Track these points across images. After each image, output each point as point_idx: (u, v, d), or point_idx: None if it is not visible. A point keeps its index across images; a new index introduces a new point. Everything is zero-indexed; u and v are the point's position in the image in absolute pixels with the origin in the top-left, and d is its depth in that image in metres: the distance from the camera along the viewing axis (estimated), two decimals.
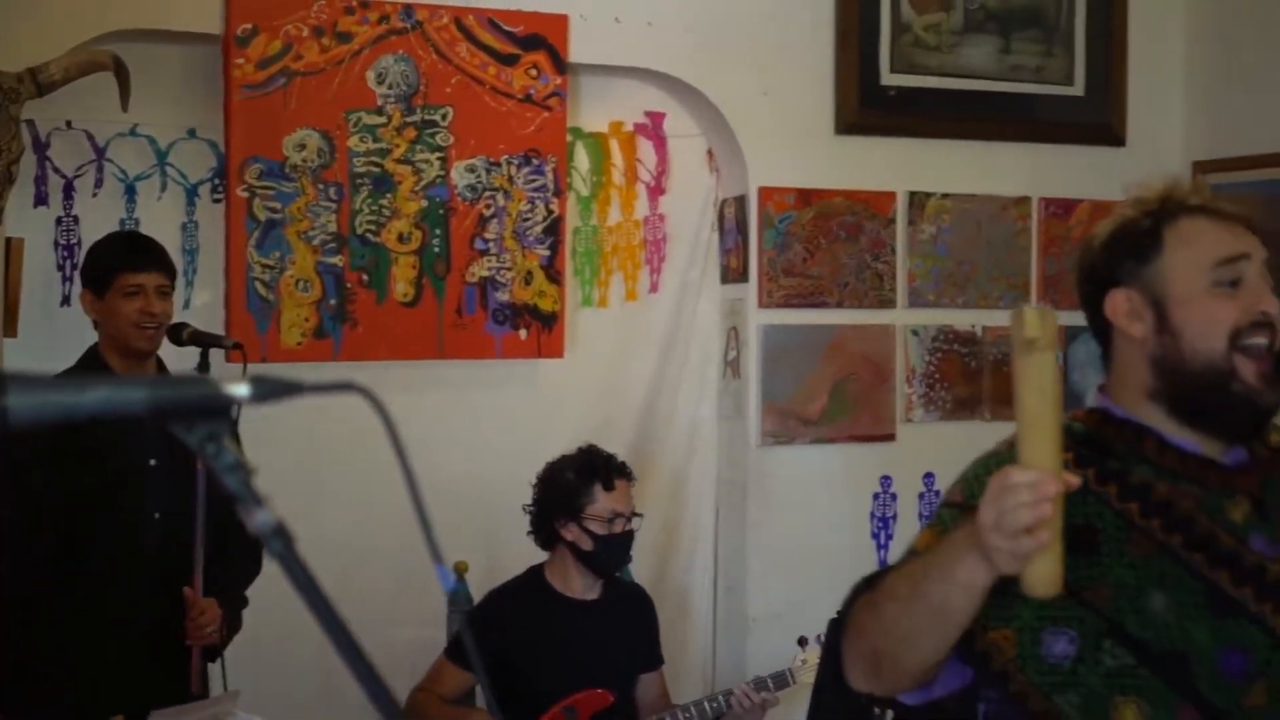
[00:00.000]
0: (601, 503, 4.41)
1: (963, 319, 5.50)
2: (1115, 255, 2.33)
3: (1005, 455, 2.27)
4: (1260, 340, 2.21)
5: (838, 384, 5.30)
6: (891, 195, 5.41)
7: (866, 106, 5.34)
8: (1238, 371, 2.20)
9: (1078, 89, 5.65)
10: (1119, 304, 2.30)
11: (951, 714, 2.34)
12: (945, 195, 5.47)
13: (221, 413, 1.21)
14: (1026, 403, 1.95)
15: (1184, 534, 2.20)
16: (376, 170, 4.86)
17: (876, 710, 2.38)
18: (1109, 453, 2.26)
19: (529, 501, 4.53)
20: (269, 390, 1.23)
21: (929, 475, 5.35)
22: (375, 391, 1.32)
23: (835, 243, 5.31)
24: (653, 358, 5.59)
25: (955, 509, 2.28)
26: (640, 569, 5.14)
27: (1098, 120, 5.66)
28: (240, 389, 1.21)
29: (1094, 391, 2.42)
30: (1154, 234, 2.29)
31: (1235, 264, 2.25)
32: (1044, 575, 1.94)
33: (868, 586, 2.23)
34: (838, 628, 2.28)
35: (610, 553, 4.46)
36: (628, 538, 4.49)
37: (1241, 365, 2.20)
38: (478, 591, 4.72)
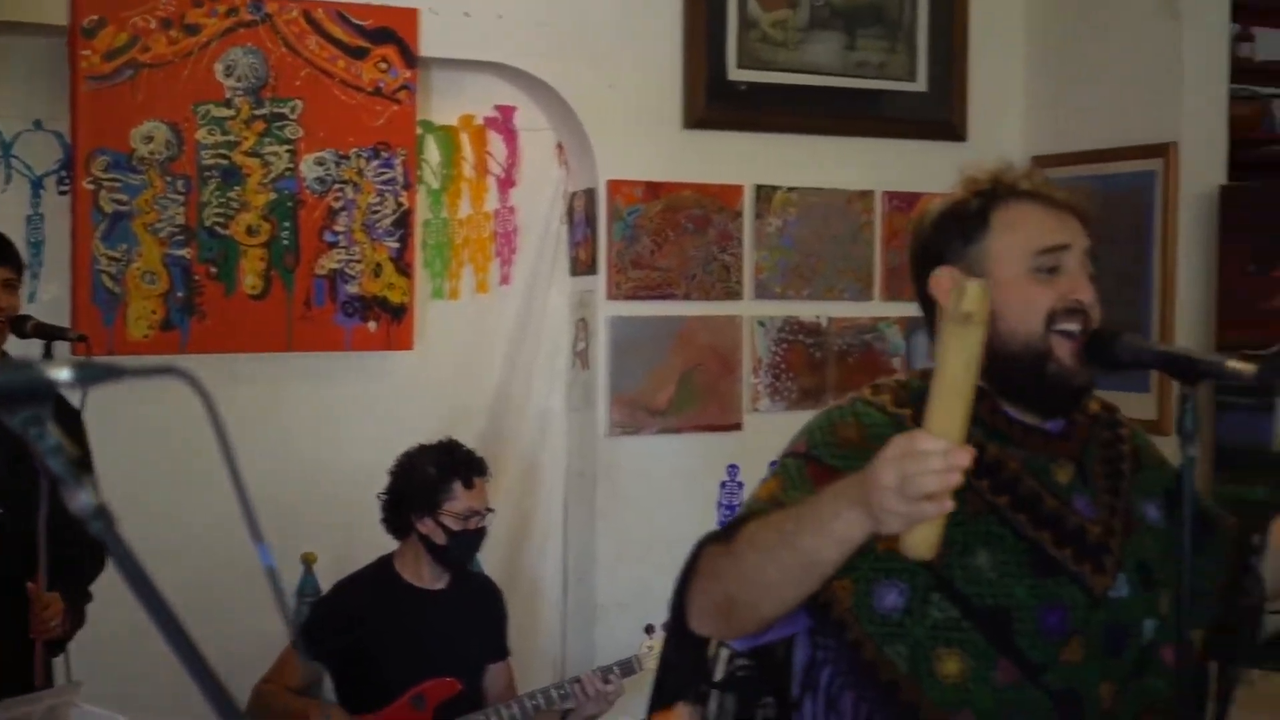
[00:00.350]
0: (461, 500, 4.42)
1: (808, 310, 5.58)
2: (943, 234, 2.39)
3: (849, 408, 2.38)
4: (1073, 325, 2.28)
5: (685, 375, 5.36)
6: (739, 189, 5.48)
7: (714, 101, 5.40)
8: (1053, 352, 2.28)
9: (920, 85, 5.76)
10: (943, 282, 2.36)
11: (778, 658, 2.40)
12: (791, 189, 5.55)
13: (44, 396, 1.23)
14: (952, 372, 1.96)
15: (1011, 495, 2.28)
16: (225, 163, 4.85)
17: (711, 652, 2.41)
18: None
19: (381, 491, 4.54)
20: (91, 373, 1.24)
21: (775, 464, 5.42)
22: (204, 378, 1.34)
23: (683, 235, 5.37)
24: (503, 349, 5.63)
25: (799, 459, 2.33)
26: (491, 559, 5.17)
27: (939, 116, 5.78)
28: (62, 372, 1.23)
29: (928, 360, 2.49)
30: (981, 216, 2.35)
31: (1056, 253, 2.31)
32: (927, 539, 1.96)
33: (721, 537, 2.24)
34: (684, 574, 2.28)
35: (462, 549, 4.49)
36: (481, 534, 4.52)
37: (1057, 345, 2.28)
38: (327, 582, 4.73)
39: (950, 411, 1.95)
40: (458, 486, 4.42)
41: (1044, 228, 2.34)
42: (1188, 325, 5.23)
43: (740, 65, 5.45)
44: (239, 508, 1.36)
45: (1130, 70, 5.45)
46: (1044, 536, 2.27)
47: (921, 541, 1.96)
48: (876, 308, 5.66)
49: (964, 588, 2.22)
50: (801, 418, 5.41)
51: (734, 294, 5.46)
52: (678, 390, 5.35)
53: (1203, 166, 5.28)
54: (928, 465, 1.89)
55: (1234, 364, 2.10)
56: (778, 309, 5.54)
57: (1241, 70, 6.20)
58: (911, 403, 2.34)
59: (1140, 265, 5.34)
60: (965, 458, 1.91)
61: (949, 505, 1.92)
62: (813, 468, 2.29)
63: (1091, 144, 5.56)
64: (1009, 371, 2.30)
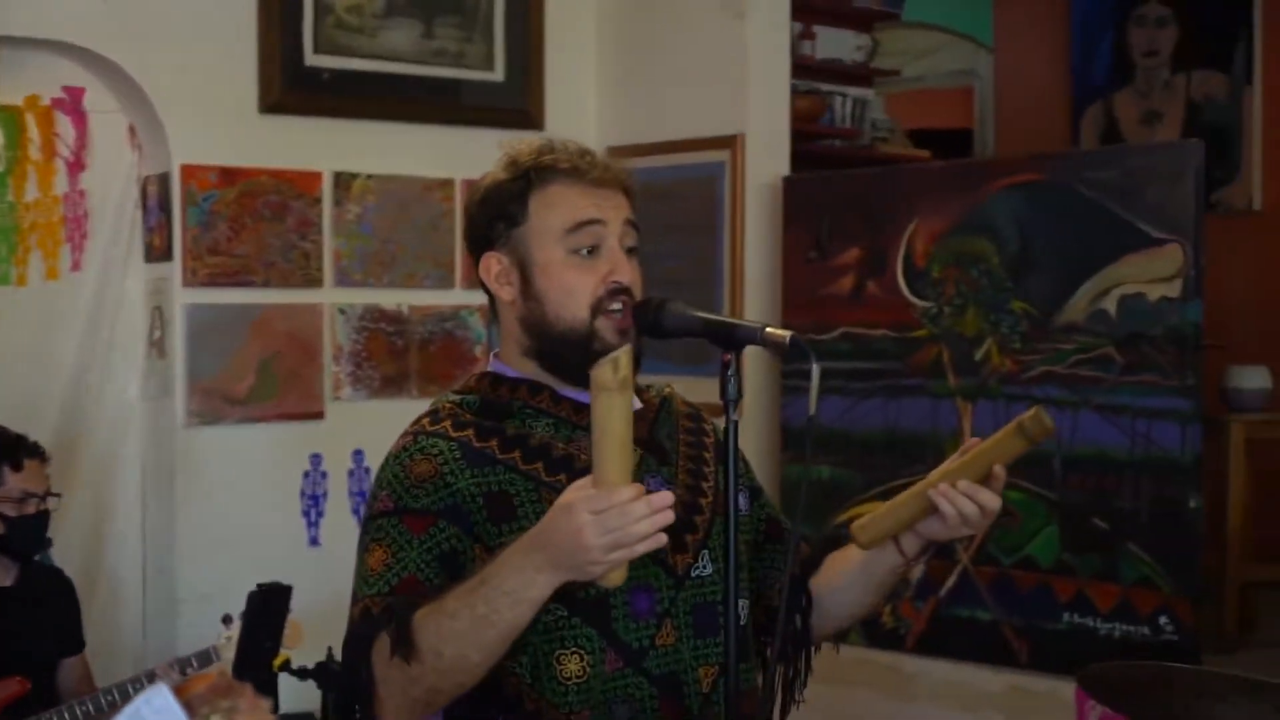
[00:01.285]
0: (11, 484, 4.30)
1: (389, 298, 5.58)
2: (487, 217, 2.39)
3: (414, 446, 2.31)
4: (617, 306, 2.32)
5: (264, 363, 5.29)
6: (318, 175, 5.44)
7: (291, 86, 5.35)
8: (599, 333, 2.30)
9: (498, 75, 5.82)
10: (491, 266, 2.39)
11: None
12: (371, 176, 5.54)
13: None
14: (619, 432, 1.99)
15: None
16: None
17: None
18: (507, 416, 2.33)
19: None
20: None
21: (359, 452, 5.42)
22: None
23: (261, 222, 5.31)
24: (77, 338, 5.50)
25: (392, 516, 2.26)
26: (70, 551, 5.05)
27: (517, 105, 5.85)
28: None
29: (490, 356, 2.52)
30: (521, 198, 2.35)
31: (590, 230, 2.33)
32: (621, 571, 2.04)
33: (386, 635, 2.15)
34: (361, 687, 2.19)
35: (24, 535, 4.35)
36: (43, 518, 4.39)
37: (603, 327, 2.30)
38: None
39: (624, 464, 2.00)
40: (6, 471, 4.31)
41: (579, 205, 2.35)
42: (757, 310, 5.42)
43: (317, 50, 5.41)
44: None
45: (699, 65, 5.64)
46: None
47: (617, 575, 2.05)
48: (458, 296, 5.70)
49: (567, 584, 2.18)
50: (384, 406, 5.48)
51: (314, 281, 5.42)
52: (257, 379, 5.28)
53: (767, 158, 5.51)
54: (634, 513, 1.95)
55: (771, 330, 2.19)
56: (358, 296, 5.53)
57: (803, 67, 6.50)
58: (475, 420, 2.33)
59: (712, 252, 5.53)
60: (669, 497, 1.99)
61: (662, 540, 2.00)
62: (408, 520, 2.24)
63: (664, 135, 5.72)
64: (556, 353, 2.34)
